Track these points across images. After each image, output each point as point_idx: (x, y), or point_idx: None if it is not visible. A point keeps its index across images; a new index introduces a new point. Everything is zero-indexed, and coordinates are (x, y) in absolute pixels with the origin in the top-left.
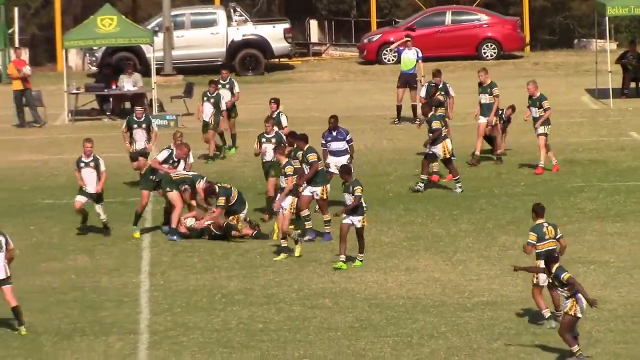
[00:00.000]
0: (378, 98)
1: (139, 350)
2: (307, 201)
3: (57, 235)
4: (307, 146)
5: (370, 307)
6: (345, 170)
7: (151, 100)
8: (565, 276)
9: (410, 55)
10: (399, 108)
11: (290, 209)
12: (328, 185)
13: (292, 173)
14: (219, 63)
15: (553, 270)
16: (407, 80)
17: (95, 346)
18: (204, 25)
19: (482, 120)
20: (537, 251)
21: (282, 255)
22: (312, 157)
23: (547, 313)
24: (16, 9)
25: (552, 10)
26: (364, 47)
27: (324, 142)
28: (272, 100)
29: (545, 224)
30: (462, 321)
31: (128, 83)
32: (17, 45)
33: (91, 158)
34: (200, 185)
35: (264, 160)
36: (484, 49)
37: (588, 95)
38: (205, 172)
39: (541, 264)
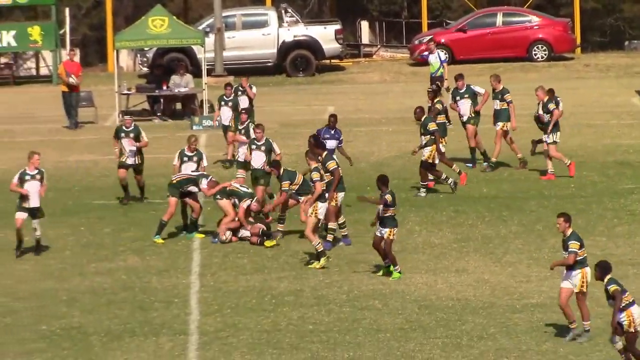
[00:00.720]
0: (427, 99)
1: (188, 351)
2: (333, 211)
3: (108, 236)
4: (325, 153)
5: (419, 308)
6: (382, 181)
7: (202, 101)
8: (611, 288)
9: (432, 59)
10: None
11: (314, 213)
12: (341, 194)
13: (318, 179)
14: (269, 64)
15: (605, 280)
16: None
17: (145, 347)
18: (255, 26)
19: (498, 126)
20: (579, 258)
21: (322, 261)
22: (331, 164)
23: (573, 325)
24: (67, 10)
25: (603, 11)
26: (414, 48)
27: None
28: (243, 110)
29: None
30: (512, 323)
31: (179, 84)
32: (68, 45)
33: (37, 171)
34: (245, 205)
35: (252, 168)
36: (534, 51)
37: (639, 96)
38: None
39: (586, 270)
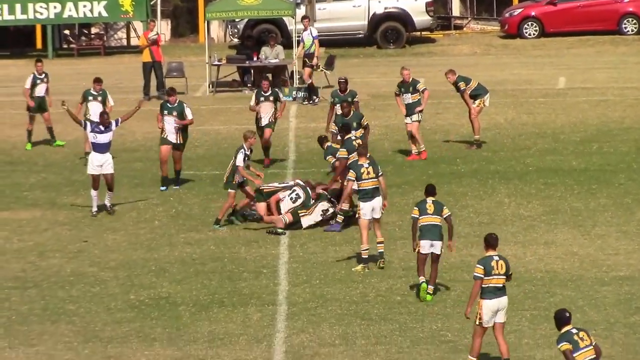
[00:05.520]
0: (518, 72)
1: (277, 322)
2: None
3: (197, 206)
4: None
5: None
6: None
7: (292, 72)
8: (561, 347)
9: (306, 36)
10: (309, 86)
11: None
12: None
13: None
14: (360, 36)
15: (561, 331)
16: (305, 60)
17: (233, 317)
18: None
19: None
20: (483, 286)
21: (359, 267)
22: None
23: None
24: None
25: None
26: (505, 21)
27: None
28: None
29: (496, 257)
30: (600, 295)
31: (270, 55)
32: (159, 16)
33: None
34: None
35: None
36: (624, 24)
37: None
38: None
39: (483, 302)
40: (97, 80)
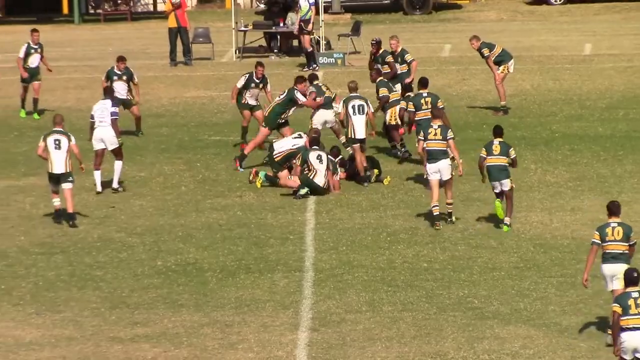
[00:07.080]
0: (545, 38)
1: (303, 288)
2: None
3: (224, 172)
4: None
5: (534, 247)
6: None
7: (317, 38)
8: (613, 307)
9: (303, 2)
10: (308, 53)
11: None
12: None
13: None
14: (386, 2)
15: (625, 290)
16: (301, 25)
17: (260, 283)
18: None
19: (498, 70)
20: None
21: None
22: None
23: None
24: None
25: None
26: None
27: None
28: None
29: (614, 224)
30: None
31: (296, 21)
32: None
33: None
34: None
35: None
36: None
37: None
38: None
39: (603, 268)
40: (121, 59)
